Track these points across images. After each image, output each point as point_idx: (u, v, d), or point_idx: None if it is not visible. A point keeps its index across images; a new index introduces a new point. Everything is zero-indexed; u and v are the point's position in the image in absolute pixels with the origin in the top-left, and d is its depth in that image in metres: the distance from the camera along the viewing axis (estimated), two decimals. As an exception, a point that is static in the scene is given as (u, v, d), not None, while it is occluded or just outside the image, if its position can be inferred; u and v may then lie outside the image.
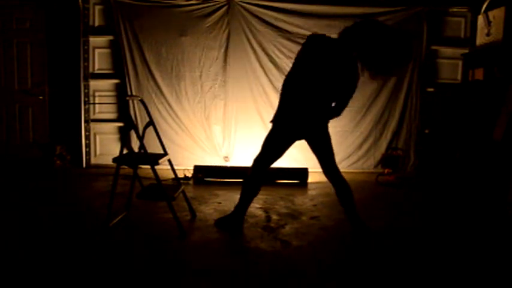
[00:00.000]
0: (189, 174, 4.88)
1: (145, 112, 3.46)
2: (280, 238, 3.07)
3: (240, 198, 3.23)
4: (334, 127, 5.38)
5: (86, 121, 5.52)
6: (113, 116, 5.60)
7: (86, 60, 5.43)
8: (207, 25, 5.33)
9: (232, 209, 3.37)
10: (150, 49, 5.35)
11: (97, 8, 5.43)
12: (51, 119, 5.59)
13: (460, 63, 5.58)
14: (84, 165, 5.53)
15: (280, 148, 3.13)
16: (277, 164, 5.19)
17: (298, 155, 5.22)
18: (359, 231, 3.16)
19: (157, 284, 2.32)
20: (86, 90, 5.48)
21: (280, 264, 2.63)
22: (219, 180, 4.84)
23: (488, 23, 4.58)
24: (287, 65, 5.37)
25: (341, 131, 5.49)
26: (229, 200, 4.01)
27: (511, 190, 3.61)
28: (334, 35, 3.05)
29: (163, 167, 3.54)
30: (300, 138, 3.14)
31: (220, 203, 3.90)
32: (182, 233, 3.07)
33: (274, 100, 5.32)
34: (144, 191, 3.33)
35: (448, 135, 4.75)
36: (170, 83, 5.40)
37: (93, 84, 5.50)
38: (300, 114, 3.02)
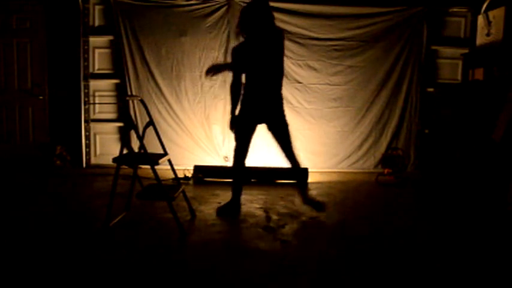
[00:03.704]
0: (189, 174, 4.88)
1: (145, 112, 3.46)
2: (280, 238, 3.08)
3: (233, 188, 3.64)
4: (334, 127, 5.48)
5: (86, 121, 5.52)
6: (113, 116, 5.60)
7: (86, 60, 5.43)
8: (207, 25, 5.33)
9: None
10: (150, 49, 5.35)
11: (97, 8, 5.43)
12: (51, 119, 5.59)
13: (460, 63, 5.58)
14: (84, 165, 5.53)
15: (246, 131, 3.52)
16: (278, 164, 5.22)
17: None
18: (310, 204, 3.67)
19: (157, 284, 2.32)
20: (86, 90, 5.48)
21: (280, 264, 2.63)
22: (219, 180, 4.84)
23: (488, 23, 4.58)
24: (287, 65, 5.35)
25: (341, 131, 5.49)
26: (228, 199, 4.00)
27: (511, 189, 3.61)
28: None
29: (163, 167, 3.54)
30: (259, 121, 3.55)
31: (220, 203, 3.90)
32: (182, 233, 3.07)
33: (274, 100, 5.34)
34: (144, 191, 3.33)
35: (448, 135, 4.75)
36: (170, 83, 5.40)
37: (93, 84, 5.50)
38: (253, 99, 3.48)
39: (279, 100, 3.55)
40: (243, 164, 3.60)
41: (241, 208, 3.71)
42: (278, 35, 3.45)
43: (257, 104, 3.51)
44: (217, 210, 3.66)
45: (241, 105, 3.54)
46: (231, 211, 3.62)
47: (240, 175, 3.68)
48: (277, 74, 3.50)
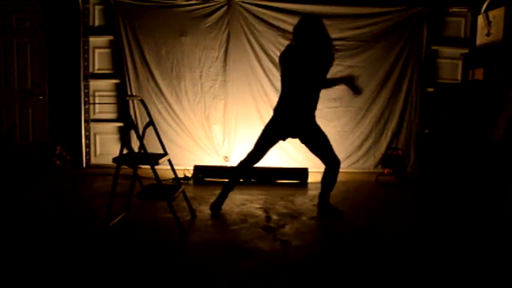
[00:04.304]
0: (189, 174, 4.88)
1: (145, 112, 3.46)
2: (280, 238, 3.07)
3: (226, 184, 3.65)
4: (334, 127, 5.47)
5: (86, 121, 5.52)
6: (113, 116, 5.60)
7: (86, 60, 5.43)
8: (207, 25, 5.33)
9: (232, 208, 3.58)
10: (150, 49, 5.35)
11: (97, 8, 5.43)
12: (51, 119, 5.59)
13: (460, 63, 5.58)
14: (84, 165, 5.53)
15: (269, 141, 3.51)
16: (278, 164, 5.20)
17: (298, 155, 5.22)
18: (324, 212, 3.58)
19: (157, 284, 2.32)
20: (86, 90, 5.48)
21: (280, 264, 2.63)
22: (219, 180, 4.83)
23: (488, 23, 4.58)
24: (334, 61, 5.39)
25: (341, 131, 5.49)
26: (229, 199, 3.99)
27: (511, 189, 3.61)
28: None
29: (163, 167, 3.54)
30: (289, 136, 3.54)
31: (220, 203, 3.89)
32: (182, 233, 3.07)
33: (274, 100, 5.30)
34: (144, 191, 3.33)
35: (448, 135, 4.75)
36: (170, 83, 5.40)
37: (93, 84, 5.50)
38: (289, 113, 3.45)
39: (312, 116, 3.52)
40: (250, 168, 3.61)
41: (222, 205, 3.70)
42: (330, 60, 3.44)
43: (292, 119, 3.47)
44: (210, 205, 3.67)
45: (275, 115, 3.51)
46: (218, 206, 3.64)
47: (240, 177, 3.69)
48: (317, 94, 3.49)
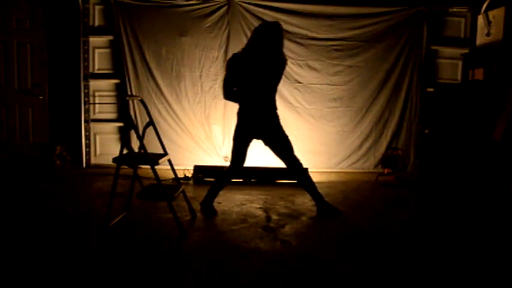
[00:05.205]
0: (189, 174, 4.88)
1: (145, 112, 3.46)
2: (280, 238, 3.08)
3: (213, 187, 3.66)
4: (334, 127, 5.48)
5: (86, 121, 5.52)
6: (113, 116, 5.60)
7: (86, 60, 5.43)
8: (207, 25, 5.33)
9: (232, 208, 3.57)
10: (150, 49, 5.35)
11: (97, 8, 5.43)
12: (51, 119, 5.60)
13: (460, 63, 5.58)
14: (84, 165, 5.53)
15: (242, 145, 3.51)
16: (278, 164, 5.21)
17: (298, 156, 5.22)
18: (324, 212, 3.56)
19: (157, 284, 2.32)
20: (86, 90, 5.48)
21: (280, 264, 2.63)
22: (219, 180, 4.83)
23: (488, 23, 4.58)
24: (287, 65, 5.38)
25: (341, 131, 5.49)
26: (229, 200, 4.01)
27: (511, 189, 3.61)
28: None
29: (163, 167, 3.54)
30: (254, 137, 3.53)
31: (220, 203, 3.90)
32: (182, 233, 3.07)
33: (274, 100, 5.34)
34: (144, 191, 3.33)
35: (448, 135, 4.75)
36: (170, 83, 5.40)
37: (93, 84, 5.50)
38: (247, 115, 3.46)
39: (273, 117, 3.49)
40: (238, 172, 3.63)
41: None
42: (281, 63, 3.46)
43: (251, 121, 3.48)
44: (201, 206, 3.65)
45: (238, 119, 3.52)
46: (209, 205, 3.64)
47: (231, 179, 3.72)
48: (271, 95, 3.48)
